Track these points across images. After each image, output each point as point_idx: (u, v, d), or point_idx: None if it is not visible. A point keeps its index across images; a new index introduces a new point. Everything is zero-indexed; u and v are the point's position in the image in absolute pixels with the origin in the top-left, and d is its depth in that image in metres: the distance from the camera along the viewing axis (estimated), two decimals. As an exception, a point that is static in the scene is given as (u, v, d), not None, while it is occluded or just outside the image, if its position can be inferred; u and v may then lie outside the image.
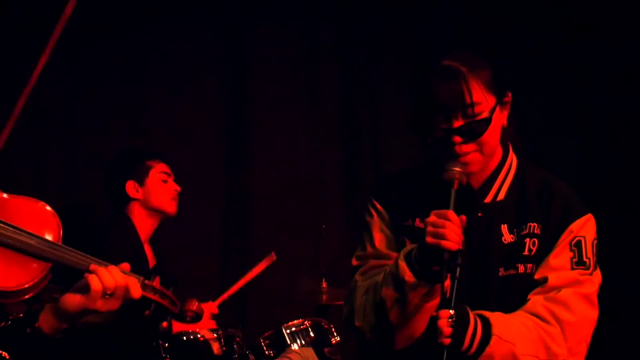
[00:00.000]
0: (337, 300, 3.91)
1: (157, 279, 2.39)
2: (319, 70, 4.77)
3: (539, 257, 2.12)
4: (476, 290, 2.12)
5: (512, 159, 2.22)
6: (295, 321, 3.60)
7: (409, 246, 2.08)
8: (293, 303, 4.11)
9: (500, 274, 2.12)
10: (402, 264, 2.03)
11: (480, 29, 4.38)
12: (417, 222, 2.17)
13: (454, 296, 1.93)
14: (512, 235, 2.13)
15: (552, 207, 2.13)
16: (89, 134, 4.25)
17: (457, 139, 2.05)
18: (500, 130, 2.13)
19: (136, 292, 2.25)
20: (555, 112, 4.38)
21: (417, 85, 2.12)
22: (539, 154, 4.23)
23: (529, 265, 2.11)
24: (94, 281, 2.17)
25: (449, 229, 1.95)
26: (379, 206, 2.25)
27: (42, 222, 2.25)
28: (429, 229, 1.97)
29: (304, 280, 4.06)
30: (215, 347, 3.37)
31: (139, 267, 2.44)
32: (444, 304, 1.96)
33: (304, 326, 3.60)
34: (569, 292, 2.06)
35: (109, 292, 2.18)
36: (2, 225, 2.16)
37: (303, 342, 3.55)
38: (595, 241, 2.13)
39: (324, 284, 3.96)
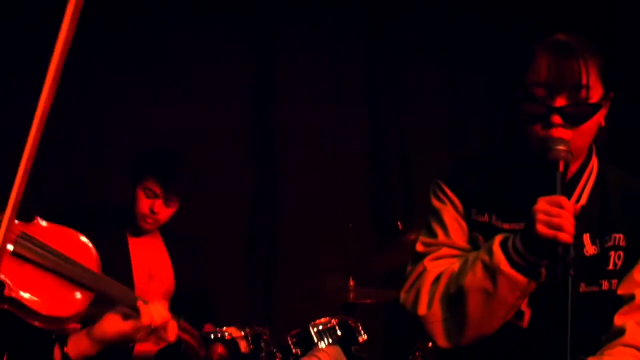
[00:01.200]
0: (365, 299, 3.90)
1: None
2: (346, 70, 4.76)
3: (624, 272, 1.92)
4: (556, 308, 1.86)
5: (594, 160, 2.00)
6: (323, 319, 3.58)
7: (503, 234, 1.87)
8: (320, 301, 4.09)
9: (581, 289, 1.91)
10: (498, 252, 1.82)
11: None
12: (494, 220, 1.97)
13: (569, 295, 1.72)
14: (594, 247, 1.93)
15: (638, 216, 1.94)
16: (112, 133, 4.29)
17: (558, 119, 1.82)
18: (597, 129, 1.91)
19: (173, 333, 2.31)
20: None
21: (523, 54, 1.88)
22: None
23: (614, 282, 1.91)
24: (146, 314, 2.25)
25: (565, 219, 1.73)
26: (451, 194, 2.01)
27: (82, 252, 2.31)
28: (541, 216, 1.75)
29: (331, 278, 4.04)
30: (243, 345, 3.36)
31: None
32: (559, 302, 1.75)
33: (331, 324, 3.57)
34: None
35: (154, 327, 2.26)
36: (58, 254, 2.22)
37: (330, 340, 3.53)
38: None
39: (351, 282, 3.94)
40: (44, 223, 2.31)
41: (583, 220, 1.88)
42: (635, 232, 1.92)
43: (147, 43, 4.36)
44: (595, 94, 1.85)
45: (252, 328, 3.43)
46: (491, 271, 1.82)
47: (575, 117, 1.83)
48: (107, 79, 4.28)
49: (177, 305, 3.61)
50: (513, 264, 1.81)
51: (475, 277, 1.84)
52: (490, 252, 1.84)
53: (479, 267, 1.84)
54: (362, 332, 3.63)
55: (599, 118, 1.88)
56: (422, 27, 4.78)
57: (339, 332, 3.56)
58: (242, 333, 3.39)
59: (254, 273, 4.58)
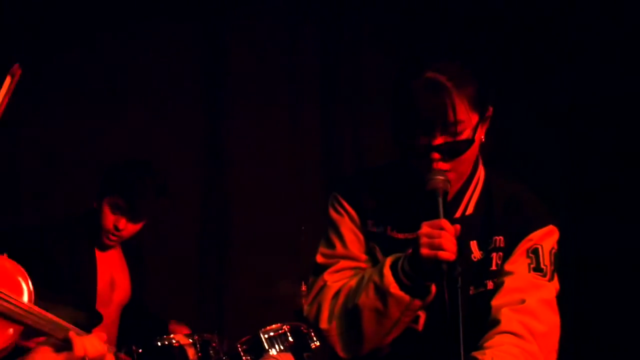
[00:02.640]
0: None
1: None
2: (300, 68, 4.75)
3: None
4: (448, 314, 2.01)
5: (481, 171, 2.16)
6: (274, 325, 3.56)
7: (395, 255, 2.01)
8: (271, 307, 4.05)
9: (471, 292, 2.07)
10: (388, 274, 1.97)
11: (464, 26, 4.35)
12: (389, 231, 2.11)
13: (460, 307, 1.86)
14: (481, 252, 2.09)
15: (516, 219, 2.09)
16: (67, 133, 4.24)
17: (436, 155, 1.98)
18: (478, 147, 2.07)
19: None
20: (542, 112, 4.35)
21: (398, 95, 2.05)
22: (526, 156, 4.28)
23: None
24: (78, 346, 2.15)
25: (445, 239, 1.88)
26: (348, 207, 2.16)
27: (13, 282, 2.16)
28: (424, 240, 1.90)
29: (283, 283, 4.01)
30: (191, 353, 3.35)
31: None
32: (445, 317, 1.89)
33: (283, 331, 3.55)
34: (534, 300, 2.02)
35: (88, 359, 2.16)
36: None
37: (282, 347, 3.51)
38: (554, 250, 2.09)
39: (304, 287, 3.90)
40: None
41: (470, 229, 2.07)
42: (511, 231, 2.09)
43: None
44: (468, 125, 1.98)
45: (200, 335, 3.40)
46: (382, 293, 1.98)
47: (451, 152, 1.99)
48: (65, 83, 4.27)
49: (129, 313, 3.57)
50: (402, 286, 1.96)
51: (368, 298, 2.00)
52: (381, 275, 1.99)
53: (371, 288, 2.00)
54: (314, 338, 3.60)
55: (477, 141, 2.03)
56: (379, 28, 4.78)
57: (290, 339, 3.54)
58: (190, 340, 3.37)
59: (204, 278, 4.54)
